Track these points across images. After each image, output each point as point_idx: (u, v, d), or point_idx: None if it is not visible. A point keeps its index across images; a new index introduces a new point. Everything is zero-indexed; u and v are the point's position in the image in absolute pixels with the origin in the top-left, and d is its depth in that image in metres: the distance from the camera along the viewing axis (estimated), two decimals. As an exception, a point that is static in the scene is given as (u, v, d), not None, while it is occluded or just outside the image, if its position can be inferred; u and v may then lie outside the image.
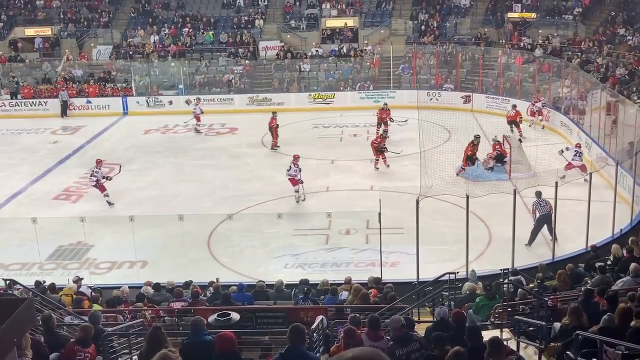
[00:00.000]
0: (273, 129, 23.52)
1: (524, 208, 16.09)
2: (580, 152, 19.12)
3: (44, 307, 9.82)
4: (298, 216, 17.03)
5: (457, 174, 19.83)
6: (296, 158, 18.94)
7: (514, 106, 24.73)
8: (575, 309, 7.82)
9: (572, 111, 24.02)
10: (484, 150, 20.99)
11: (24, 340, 6.04)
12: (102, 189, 18.90)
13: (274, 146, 23.61)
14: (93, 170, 19.03)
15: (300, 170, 18.63)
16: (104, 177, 18.94)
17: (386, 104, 24.77)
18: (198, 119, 26.51)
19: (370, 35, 33.28)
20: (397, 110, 27.47)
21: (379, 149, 20.95)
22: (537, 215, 15.06)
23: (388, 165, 20.91)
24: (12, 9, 36.32)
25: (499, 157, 20.28)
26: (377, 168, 20.91)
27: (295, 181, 18.51)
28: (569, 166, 18.68)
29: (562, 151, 19.39)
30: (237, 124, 27.46)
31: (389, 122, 24.02)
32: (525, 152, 21.17)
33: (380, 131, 23.02)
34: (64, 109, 29.56)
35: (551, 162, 19.74)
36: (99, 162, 19.29)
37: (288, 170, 18.64)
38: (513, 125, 23.82)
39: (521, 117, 24.16)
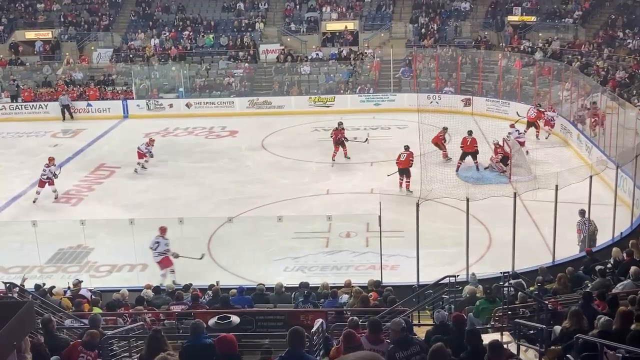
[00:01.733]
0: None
1: (524, 211, 16.09)
2: (517, 130, 21.97)
3: (43, 310, 9.81)
4: (298, 219, 17.01)
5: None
6: (163, 230, 14.69)
7: (538, 105, 24.79)
8: (576, 312, 7.81)
9: (572, 114, 24.04)
10: (485, 154, 21.00)
11: (23, 343, 6.03)
12: (42, 185, 19.55)
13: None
14: (46, 168, 19.70)
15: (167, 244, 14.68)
16: (53, 175, 19.72)
17: (446, 128, 21.74)
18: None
19: (370, 39, 33.31)
20: (398, 114, 27.58)
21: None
22: (582, 236, 14.54)
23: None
24: (13, 12, 36.39)
25: (504, 159, 20.27)
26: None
27: (168, 260, 14.63)
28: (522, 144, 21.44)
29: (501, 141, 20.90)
30: (237, 126, 27.48)
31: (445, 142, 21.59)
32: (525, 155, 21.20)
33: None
34: (64, 113, 29.57)
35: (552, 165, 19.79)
36: (50, 160, 20.09)
37: (154, 249, 14.64)
38: (533, 127, 23.81)
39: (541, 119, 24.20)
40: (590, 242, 14.50)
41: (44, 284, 12.64)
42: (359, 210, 17.47)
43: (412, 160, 18.98)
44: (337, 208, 17.99)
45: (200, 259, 14.89)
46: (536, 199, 15.57)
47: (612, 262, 12.09)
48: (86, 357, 7.42)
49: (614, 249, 12.57)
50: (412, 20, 33.99)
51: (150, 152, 22.47)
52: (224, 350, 6.27)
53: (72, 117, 29.64)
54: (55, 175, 19.81)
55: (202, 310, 10.71)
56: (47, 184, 19.54)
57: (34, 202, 19.49)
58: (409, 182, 18.89)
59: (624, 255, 11.88)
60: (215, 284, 12.68)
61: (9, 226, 17.31)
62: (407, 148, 19.28)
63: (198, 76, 31.93)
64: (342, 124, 22.91)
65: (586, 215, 14.53)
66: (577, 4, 32.70)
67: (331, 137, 22.51)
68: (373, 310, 10.31)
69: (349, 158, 22.33)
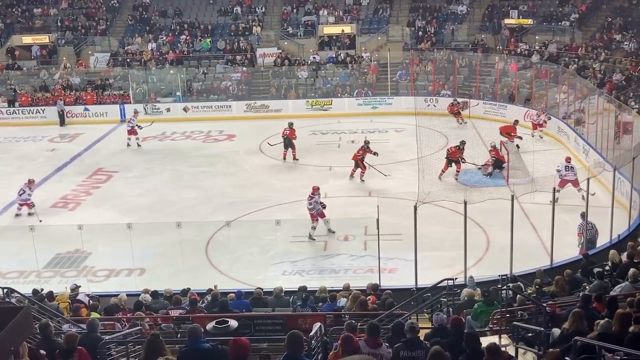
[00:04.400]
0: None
1: (521, 214, 16.10)
2: (568, 166, 18.32)
3: (41, 315, 9.78)
4: (296, 223, 16.99)
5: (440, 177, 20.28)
6: (315, 190, 16.91)
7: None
8: (578, 313, 7.80)
9: (569, 117, 24.08)
10: (481, 156, 21.02)
11: (21, 348, 6.01)
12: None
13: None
14: (23, 190, 19.08)
15: (321, 204, 16.72)
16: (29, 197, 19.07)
17: (464, 142, 21.12)
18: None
19: (367, 42, 33.35)
20: (395, 117, 27.58)
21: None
22: (582, 239, 14.47)
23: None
24: (10, 17, 36.34)
25: (498, 163, 20.32)
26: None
27: (313, 216, 16.76)
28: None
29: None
30: (234, 130, 27.49)
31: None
32: (523, 158, 21.20)
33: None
34: (62, 118, 29.53)
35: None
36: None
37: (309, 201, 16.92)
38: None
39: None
40: (590, 246, 14.51)
41: (42, 289, 12.61)
42: (357, 214, 17.44)
43: None
44: (335, 211, 17.96)
45: None
46: (534, 201, 15.60)
47: (609, 265, 12.10)
48: None
49: (611, 251, 12.57)
50: (409, 24, 34.02)
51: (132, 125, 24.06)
52: (236, 353, 6.17)
53: (64, 123, 29.51)
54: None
55: (200, 314, 10.70)
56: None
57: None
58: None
59: (621, 257, 11.89)
60: (214, 288, 12.67)
61: (7, 231, 17.27)
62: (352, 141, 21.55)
63: (195, 80, 31.93)
64: (292, 124, 23.29)
65: (587, 219, 14.54)
66: (573, 7, 32.77)
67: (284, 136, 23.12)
68: (371, 313, 10.30)
69: (297, 160, 22.90)
